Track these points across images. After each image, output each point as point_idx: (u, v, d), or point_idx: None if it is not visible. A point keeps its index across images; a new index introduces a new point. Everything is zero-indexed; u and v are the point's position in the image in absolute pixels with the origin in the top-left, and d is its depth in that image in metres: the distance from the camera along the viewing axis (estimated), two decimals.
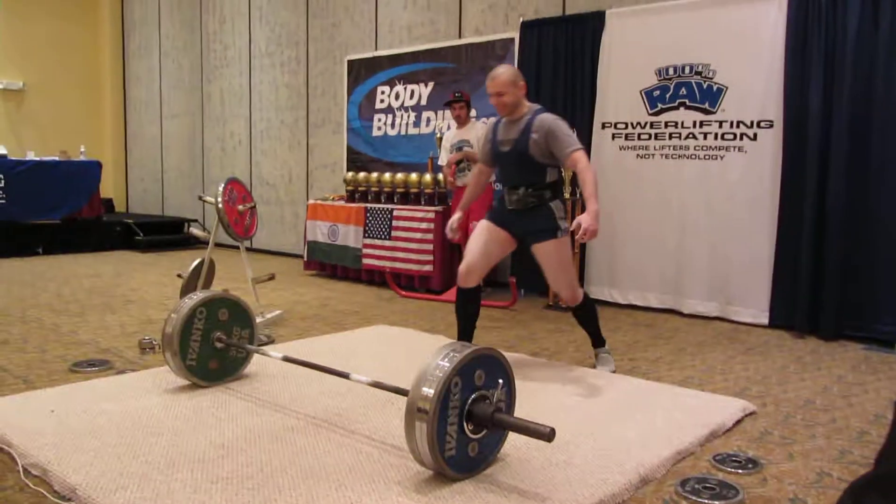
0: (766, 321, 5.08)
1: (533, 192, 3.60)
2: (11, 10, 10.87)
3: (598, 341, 3.97)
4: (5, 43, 10.91)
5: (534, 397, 3.28)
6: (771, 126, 5.03)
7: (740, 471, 2.60)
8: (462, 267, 3.75)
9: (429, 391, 2.29)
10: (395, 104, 7.57)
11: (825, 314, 4.78)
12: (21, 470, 2.51)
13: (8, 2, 10.80)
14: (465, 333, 3.88)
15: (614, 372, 3.80)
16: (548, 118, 3.57)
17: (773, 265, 5.06)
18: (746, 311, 5.19)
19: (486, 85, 3.67)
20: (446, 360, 2.34)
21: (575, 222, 3.38)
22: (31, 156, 9.13)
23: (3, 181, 8.46)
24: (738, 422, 3.12)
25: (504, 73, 3.60)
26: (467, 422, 2.38)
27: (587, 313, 3.87)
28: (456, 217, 3.92)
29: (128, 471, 2.45)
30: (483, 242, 3.75)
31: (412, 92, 7.41)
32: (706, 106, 5.30)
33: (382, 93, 7.69)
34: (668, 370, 3.98)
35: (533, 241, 3.67)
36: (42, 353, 4.17)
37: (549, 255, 3.65)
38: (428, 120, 7.28)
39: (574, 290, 3.75)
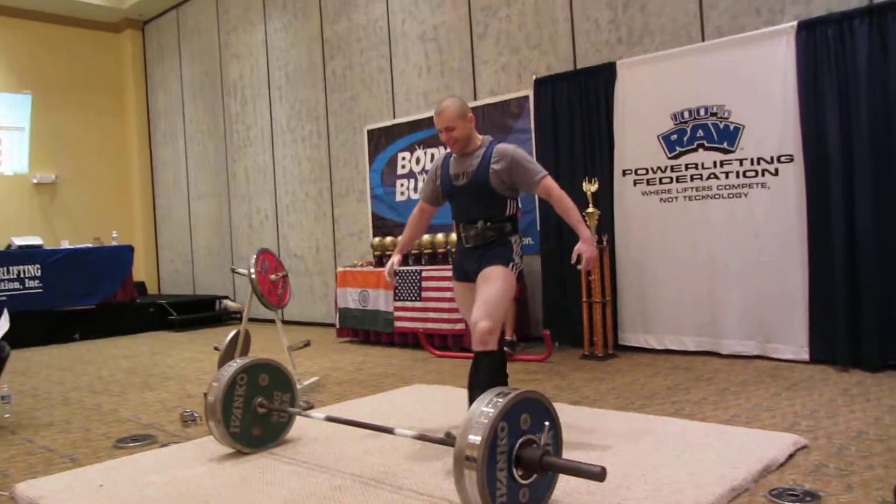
0: (806, 357, 4.99)
1: (492, 225, 3.34)
2: (42, 107, 11.33)
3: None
4: (38, 139, 11.33)
5: (579, 445, 3.24)
6: (791, 160, 5.05)
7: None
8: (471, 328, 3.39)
9: (476, 438, 2.28)
10: (416, 168, 7.72)
11: (867, 345, 4.70)
12: None
13: (38, 102, 11.27)
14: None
15: None
16: (508, 147, 3.38)
17: (808, 299, 5.00)
18: (786, 348, 5.11)
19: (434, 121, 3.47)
20: (490, 405, 2.34)
21: (575, 252, 3.25)
22: (65, 244, 9.38)
23: (39, 270, 8.67)
24: (791, 456, 3.05)
25: (450, 106, 3.37)
26: (516, 467, 2.36)
27: (492, 362, 3.19)
28: (394, 260, 3.68)
29: None
30: (469, 304, 3.39)
31: (432, 155, 7.56)
32: (725, 145, 5.35)
33: (403, 158, 7.84)
34: (712, 410, 3.92)
35: (482, 268, 3.31)
36: (86, 433, 4.21)
37: (490, 276, 3.26)
38: None
39: (493, 326, 3.17)
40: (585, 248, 3.24)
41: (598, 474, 2.23)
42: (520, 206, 3.55)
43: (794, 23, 4.97)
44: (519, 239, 3.43)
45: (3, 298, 7.94)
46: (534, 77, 6.48)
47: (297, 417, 3.66)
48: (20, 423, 4.55)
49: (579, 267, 3.19)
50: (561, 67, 6.43)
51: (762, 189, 5.19)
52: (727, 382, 4.58)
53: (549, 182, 3.34)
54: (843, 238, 4.78)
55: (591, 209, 5.69)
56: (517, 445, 2.36)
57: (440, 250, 6.71)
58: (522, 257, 3.45)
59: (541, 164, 6.26)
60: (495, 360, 3.20)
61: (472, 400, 3.01)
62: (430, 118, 7.48)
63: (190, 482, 3.06)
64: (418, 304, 6.61)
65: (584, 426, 3.62)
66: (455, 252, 3.55)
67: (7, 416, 4.65)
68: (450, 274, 6.30)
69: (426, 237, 6.82)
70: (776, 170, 5.12)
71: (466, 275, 3.46)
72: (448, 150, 3.58)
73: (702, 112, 5.45)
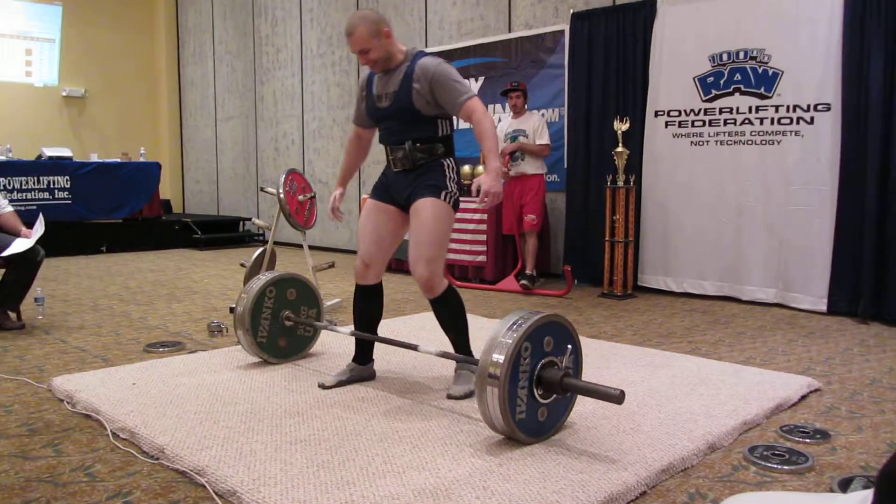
0: (825, 308, 5.01)
1: (421, 146, 3.01)
2: (72, 21, 11.29)
3: (463, 352, 3.08)
4: (68, 51, 11.33)
5: (597, 374, 3.31)
6: (829, 109, 4.97)
7: (808, 440, 2.60)
8: (357, 262, 3.18)
9: (499, 357, 2.35)
10: None
11: (889, 299, 4.71)
12: (110, 434, 2.64)
13: (69, 14, 11.22)
14: (360, 340, 3.28)
15: (468, 397, 2.95)
16: (430, 63, 2.97)
17: (832, 251, 5.00)
18: (805, 298, 5.12)
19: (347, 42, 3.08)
20: (515, 326, 2.40)
21: (474, 184, 2.88)
22: (94, 158, 9.47)
23: (68, 182, 8.78)
24: (804, 397, 3.11)
25: (359, 26, 2.96)
26: (537, 386, 2.44)
27: (451, 310, 3.06)
28: (337, 193, 3.45)
29: (210, 433, 2.56)
30: (372, 228, 3.15)
31: None
32: (762, 91, 5.27)
33: None
34: (728, 351, 3.97)
35: (413, 200, 3.02)
36: (117, 336, 4.35)
37: (420, 213, 2.97)
38: None
39: (433, 268, 2.95)
40: (486, 179, 2.84)
41: (617, 397, 2.30)
42: (455, 126, 3.19)
43: None
44: (453, 163, 3.08)
45: (33, 207, 8.07)
46: (571, 11, 6.36)
47: (322, 332, 3.77)
48: (53, 324, 4.70)
49: (478, 201, 2.83)
50: (599, 3, 6.29)
51: (795, 137, 5.13)
52: (744, 327, 4.63)
53: (474, 104, 2.93)
54: (875, 192, 4.74)
55: (620, 148, 5.66)
56: (539, 366, 2.43)
57: (465, 182, 6.70)
58: (460, 184, 3.09)
59: (572, 101, 6.33)
60: (450, 303, 3.04)
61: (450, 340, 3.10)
62: (463, 48, 7.43)
63: (218, 385, 3.18)
64: None
65: (601, 357, 3.69)
66: (383, 171, 3.22)
67: (40, 317, 4.81)
68: (473, 206, 6.40)
69: (465, 168, 6.80)
70: (812, 118, 5.05)
71: (390, 197, 3.14)
72: None
73: (741, 55, 5.35)
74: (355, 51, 3.02)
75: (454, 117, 3.07)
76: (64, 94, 11.42)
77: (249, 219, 10.65)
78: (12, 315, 4.56)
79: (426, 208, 2.96)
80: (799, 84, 5.09)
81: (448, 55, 7.57)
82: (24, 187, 8.35)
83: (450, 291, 3.04)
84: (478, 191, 2.85)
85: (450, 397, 2.99)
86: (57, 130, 11.30)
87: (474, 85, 7.39)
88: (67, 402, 3.00)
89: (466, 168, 6.74)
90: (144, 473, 2.31)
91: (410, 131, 3.03)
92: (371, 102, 3.15)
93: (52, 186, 8.65)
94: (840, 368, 3.61)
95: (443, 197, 2.98)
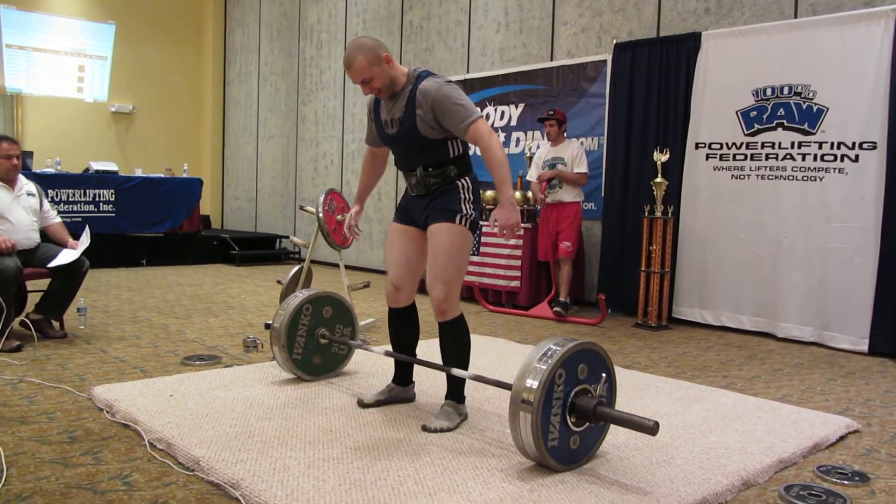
0: (865, 348, 4.91)
1: (434, 171, 2.96)
2: (124, 39, 11.63)
3: (454, 387, 3.05)
4: (118, 69, 11.66)
5: (630, 404, 3.29)
6: (874, 147, 4.91)
7: (846, 482, 2.55)
8: (387, 286, 3.18)
9: (533, 382, 2.35)
10: None
11: None
12: (147, 444, 2.69)
13: (121, 32, 11.56)
14: (399, 362, 3.31)
15: (442, 432, 2.88)
16: (430, 87, 2.87)
17: (874, 291, 4.90)
18: (844, 338, 5.03)
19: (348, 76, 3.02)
20: (549, 353, 2.41)
21: (491, 218, 2.85)
22: (138, 172, 9.70)
23: (113, 195, 8.99)
24: (842, 438, 3.05)
25: (356, 56, 2.88)
26: (570, 414, 2.43)
27: (457, 337, 3.03)
28: (354, 211, 3.43)
29: (245, 447, 2.60)
30: (398, 252, 3.14)
31: (503, 113, 7.56)
32: (805, 127, 5.22)
33: None
34: (764, 388, 3.92)
35: (429, 222, 2.99)
36: (155, 348, 4.44)
37: (436, 238, 2.94)
38: (518, 140, 7.40)
39: (450, 293, 2.94)
40: (501, 213, 2.79)
41: (651, 428, 2.29)
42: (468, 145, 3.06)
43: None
44: (469, 182, 3.01)
45: (79, 220, 8.28)
46: (614, 41, 6.39)
47: (356, 351, 3.80)
48: (94, 334, 4.80)
49: (499, 234, 2.82)
50: (643, 34, 6.32)
51: (839, 174, 5.07)
52: (782, 363, 4.56)
53: (480, 127, 2.83)
54: None
55: (659, 179, 5.65)
56: (573, 393, 2.43)
57: (488, 206, 6.74)
58: (477, 203, 3.02)
59: (612, 130, 6.35)
60: (458, 331, 3.01)
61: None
62: (503, 75, 7.50)
63: (253, 400, 3.22)
64: (476, 259, 6.68)
65: (635, 388, 3.67)
66: (403, 196, 3.21)
67: (82, 327, 4.92)
68: None
69: (489, 192, 6.84)
70: (856, 156, 4.99)
71: (411, 218, 3.11)
72: None
73: (785, 90, 5.32)
74: (357, 82, 2.95)
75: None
76: (113, 109, 11.75)
77: (286, 236, 10.79)
78: (55, 324, 4.67)
79: (441, 234, 2.93)
80: (844, 121, 5.04)
81: (489, 82, 7.66)
82: (70, 199, 8.57)
83: (461, 319, 3.03)
84: (495, 224, 2.83)
85: (424, 429, 2.90)
86: (104, 145, 11.62)
87: (514, 111, 7.44)
88: (107, 412, 3.07)
89: (490, 193, 6.74)
90: (180, 484, 2.34)
91: (421, 157, 2.99)
92: (380, 128, 3.11)
93: (97, 199, 8.87)
94: (881, 410, 3.54)
95: (458, 220, 2.94)
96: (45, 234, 4.75)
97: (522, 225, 6.44)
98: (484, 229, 6.65)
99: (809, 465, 2.72)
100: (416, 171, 2.99)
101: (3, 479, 2.33)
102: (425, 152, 2.97)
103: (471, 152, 3.15)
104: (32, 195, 4.66)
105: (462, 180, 2.99)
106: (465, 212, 2.95)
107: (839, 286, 5.07)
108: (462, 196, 2.97)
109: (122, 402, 3.12)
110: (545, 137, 6.42)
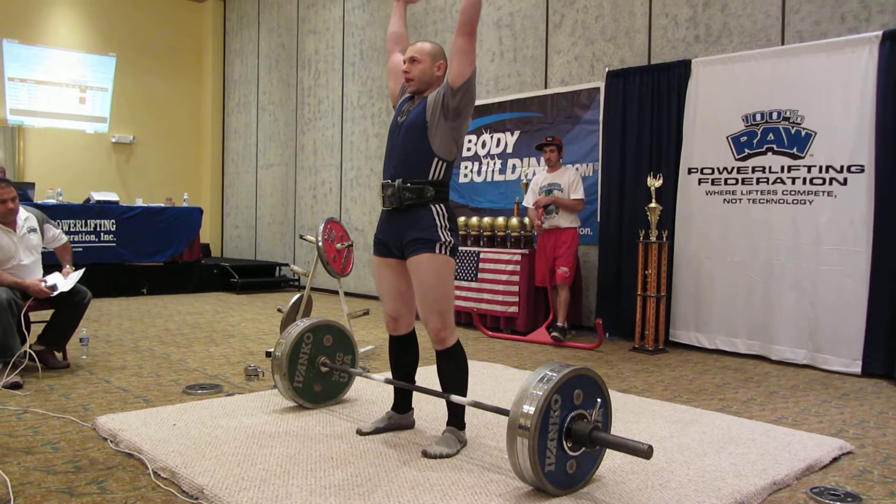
0: (858, 370, 4.96)
1: (411, 186, 2.99)
2: (125, 70, 11.79)
3: (455, 414, 3.10)
4: (118, 100, 11.81)
5: (626, 428, 3.34)
6: (862, 171, 5.00)
7: (839, 503, 2.59)
8: (386, 317, 3.27)
9: (530, 408, 2.41)
10: (482, 152, 7.83)
11: None
12: (151, 473, 2.74)
13: (122, 64, 11.72)
14: (399, 389, 3.37)
15: (442, 458, 2.93)
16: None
17: (866, 313, 4.96)
18: (836, 360, 5.07)
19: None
20: (546, 378, 2.47)
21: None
22: (139, 202, 9.79)
23: (114, 225, 9.08)
24: (836, 459, 3.10)
25: (427, 43, 3.13)
26: (566, 439, 2.49)
27: (454, 363, 3.07)
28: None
29: (248, 475, 2.65)
30: (388, 286, 3.19)
31: (498, 140, 7.67)
32: (794, 151, 5.32)
33: (469, 141, 7.96)
34: (760, 410, 3.96)
35: (408, 254, 3.03)
36: (157, 377, 4.48)
37: (420, 271, 2.98)
38: (514, 167, 7.50)
39: (445, 321, 3.00)
40: None
41: (646, 452, 2.34)
42: (452, 175, 3.17)
43: (880, 32, 4.91)
44: (444, 210, 3.04)
45: (80, 249, 8.35)
46: (606, 69, 6.52)
47: (357, 379, 3.85)
48: (96, 364, 4.85)
49: None
50: (635, 62, 6.45)
51: (828, 197, 5.16)
52: (777, 386, 4.61)
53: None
54: None
55: (653, 204, 5.74)
56: (569, 418, 2.49)
57: (499, 233, 6.83)
58: (455, 231, 3.06)
59: (606, 156, 6.46)
60: (456, 357, 3.07)
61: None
62: (498, 103, 7.63)
63: (255, 428, 3.27)
64: (474, 285, 6.75)
65: (631, 412, 3.71)
66: (378, 223, 3.25)
67: (84, 357, 4.97)
68: (507, 257, 6.51)
69: (486, 219, 6.94)
70: (845, 179, 5.08)
71: (387, 249, 3.15)
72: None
73: (774, 116, 5.42)
74: (408, 56, 3.10)
75: (452, 168, 3.10)
76: (113, 140, 11.88)
77: (286, 264, 10.87)
78: (58, 354, 4.72)
79: (424, 267, 2.97)
80: (832, 145, 5.14)
81: (485, 110, 7.78)
82: (72, 230, 8.64)
83: (459, 346, 3.08)
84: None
85: (424, 455, 2.95)
86: (105, 175, 11.73)
87: (510, 138, 7.55)
88: (111, 441, 3.12)
89: (500, 220, 6.85)
90: None
91: (404, 164, 3.03)
92: (395, 117, 3.18)
93: (98, 230, 8.95)
94: (874, 432, 3.59)
95: (438, 250, 2.98)
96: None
97: (519, 251, 6.52)
98: (480, 255, 6.73)
99: (803, 486, 2.76)
100: (394, 182, 3.03)
101: None
102: (411, 160, 3.02)
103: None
104: (34, 230, 4.70)
105: (437, 206, 3.02)
106: (443, 239, 2.99)
107: (831, 308, 5.13)
108: (437, 223, 3.00)
109: (126, 431, 3.17)
110: (543, 164, 6.51)
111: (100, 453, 2.99)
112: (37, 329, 4.72)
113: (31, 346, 4.47)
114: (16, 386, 4.08)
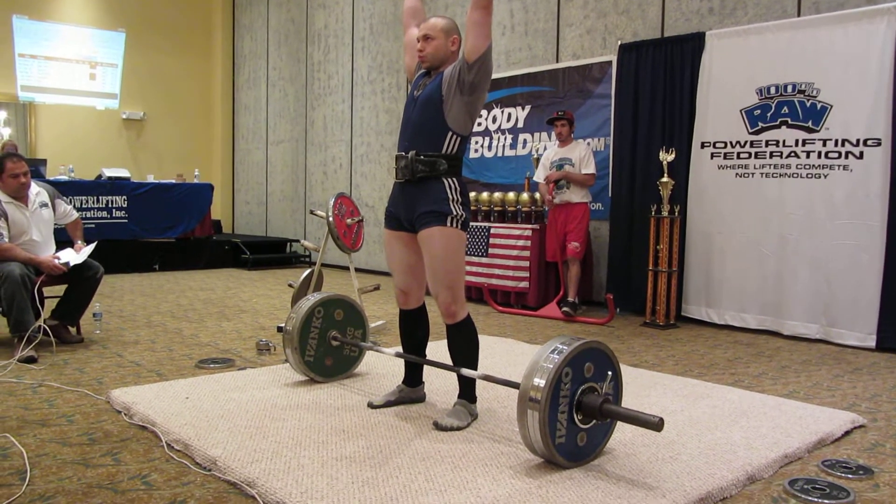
0: (873, 344, 4.93)
1: (424, 158, 2.99)
2: (134, 46, 11.75)
3: (466, 387, 3.11)
4: (128, 76, 11.78)
5: (637, 401, 3.33)
6: (879, 144, 4.94)
7: (850, 476, 2.59)
8: (396, 291, 3.28)
9: (540, 381, 2.41)
10: (493, 127, 7.79)
11: None
12: (165, 445, 2.77)
13: (131, 40, 11.68)
14: (409, 363, 3.38)
15: (453, 430, 2.94)
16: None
17: (881, 286, 4.93)
18: (850, 334, 5.05)
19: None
20: (556, 351, 2.46)
21: None
22: (150, 178, 9.81)
23: (125, 202, 9.11)
24: (848, 433, 3.09)
25: (441, 19, 3.12)
26: (577, 411, 2.49)
27: (465, 337, 3.09)
28: None
29: (260, 447, 2.67)
30: (399, 259, 3.20)
31: (509, 115, 7.61)
32: (809, 124, 5.26)
33: (480, 116, 7.91)
34: (771, 384, 3.95)
35: (419, 227, 3.03)
36: (170, 352, 4.52)
37: (431, 244, 2.99)
38: (524, 142, 7.46)
39: (455, 295, 3.01)
40: None
41: (656, 424, 2.34)
42: (463, 146, 3.10)
43: None
44: (456, 184, 3.04)
45: (92, 226, 8.38)
46: (619, 42, 6.44)
47: (367, 353, 3.86)
48: (109, 339, 4.89)
49: None
50: (648, 34, 6.37)
51: (843, 171, 5.10)
52: (789, 360, 4.59)
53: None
54: None
55: (665, 178, 5.70)
56: (579, 391, 2.49)
57: (510, 208, 6.80)
58: (467, 205, 3.05)
59: (618, 131, 6.40)
60: (466, 332, 3.08)
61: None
62: (509, 77, 7.56)
63: (267, 401, 3.29)
64: (484, 260, 6.74)
65: (642, 386, 3.71)
66: (390, 195, 3.24)
67: (97, 331, 5.01)
68: (517, 232, 6.48)
69: (497, 194, 6.90)
70: (861, 153, 5.01)
71: (398, 222, 3.15)
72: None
73: (789, 89, 5.35)
74: (422, 33, 3.09)
75: (466, 143, 3.09)
76: (124, 116, 11.88)
77: (297, 240, 10.89)
78: (72, 329, 4.76)
79: (435, 239, 2.98)
80: (848, 119, 5.07)
81: (496, 84, 7.70)
82: (84, 206, 8.67)
83: (469, 320, 3.09)
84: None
85: (435, 426, 2.96)
86: (116, 152, 11.75)
87: (521, 113, 7.50)
88: (125, 414, 3.15)
89: (511, 195, 6.82)
90: (198, 483, 2.41)
91: (418, 137, 3.04)
92: (411, 91, 3.19)
93: (110, 206, 8.98)
94: (887, 405, 3.57)
95: (449, 223, 2.98)
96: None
97: (530, 226, 6.50)
98: (491, 231, 6.71)
99: (814, 459, 2.76)
100: (407, 155, 3.03)
101: (27, 480, 2.41)
102: (425, 133, 3.02)
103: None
104: (45, 205, 4.72)
105: (449, 179, 3.02)
106: (454, 213, 2.99)
107: (845, 283, 5.09)
108: (449, 196, 3.00)
109: (140, 404, 3.20)
110: (554, 138, 6.47)
111: (114, 426, 3.02)
112: (51, 304, 4.76)
113: (45, 321, 4.50)
114: (31, 360, 4.12)
